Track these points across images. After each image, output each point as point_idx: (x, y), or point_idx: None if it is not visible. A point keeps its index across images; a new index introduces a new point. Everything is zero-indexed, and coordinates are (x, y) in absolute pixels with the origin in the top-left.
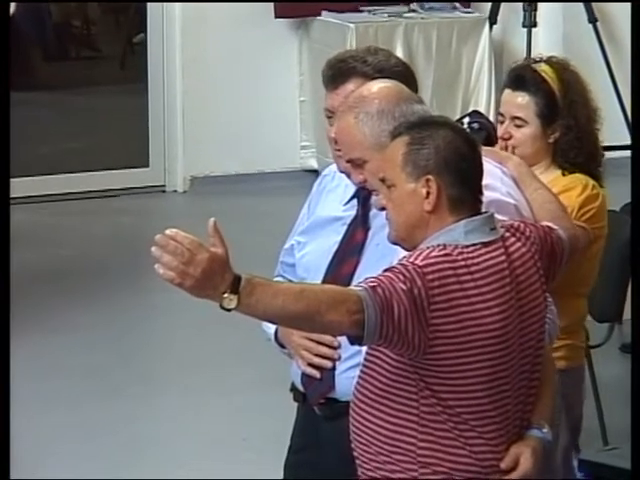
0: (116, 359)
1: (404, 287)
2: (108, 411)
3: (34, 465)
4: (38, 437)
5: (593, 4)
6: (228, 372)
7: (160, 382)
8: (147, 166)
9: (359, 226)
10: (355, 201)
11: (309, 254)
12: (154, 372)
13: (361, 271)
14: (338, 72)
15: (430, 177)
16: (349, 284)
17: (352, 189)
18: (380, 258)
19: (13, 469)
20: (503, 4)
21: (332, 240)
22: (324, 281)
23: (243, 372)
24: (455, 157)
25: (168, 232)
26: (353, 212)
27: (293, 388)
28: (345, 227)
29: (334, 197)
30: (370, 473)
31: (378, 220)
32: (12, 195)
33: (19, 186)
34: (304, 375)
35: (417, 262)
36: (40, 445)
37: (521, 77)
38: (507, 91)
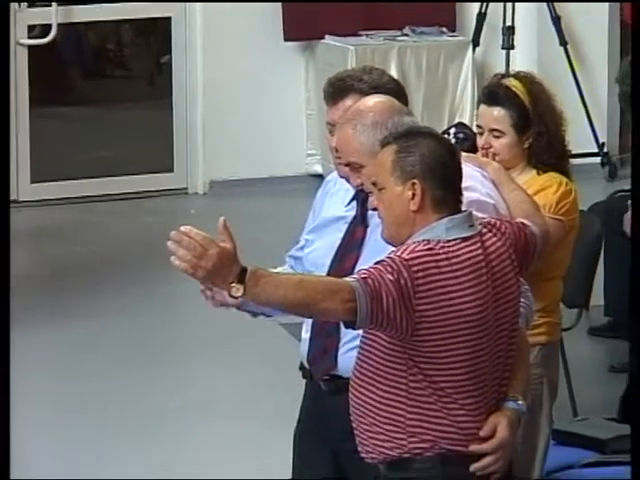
0: (140, 340)
1: (392, 278)
2: (131, 383)
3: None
4: (70, 405)
5: (563, 29)
6: (241, 352)
7: (179, 358)
8: (172, 171)
9: (359, 224)
10: (355, 202)
11: (316, 250)
12: (173, 351)
13: (361, 264)
14: (337, 89)
15: (415, 181)
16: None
17: (352, 192)
18: (378, 252)
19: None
20: (484, 29)
21: (335, 237)
22: (329, 274)
23: (255, 352)
24: (437, 164)
25: (183, 229)
26: (353, 212)
27: (302, 366)
28: (346, 226)
29: (336, 199)
30: (365, 442)
31: (376, 219)
32: (50, 197)
33: (57, 189)
34: (310, 354)
35: (403, 255)
36: (69, 413)
37: (495, 93)
38: (483, 106)
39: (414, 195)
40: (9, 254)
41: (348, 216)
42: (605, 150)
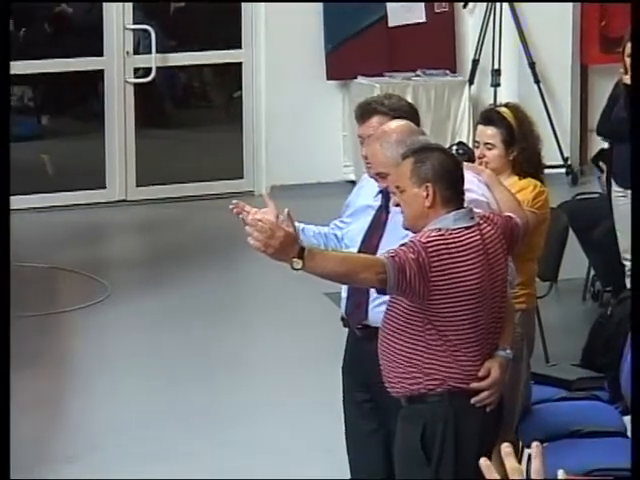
0: (218, 305)
1: (413, 256)
2: (212, 337)
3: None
4: (164, 350)
5: (537, 71)
6: (293, 315)
7: (248, 319)
8: (242, 178)
9: (382, 211)
10: (380, 195)
11: (352, 230)
12: (243, 314)
13: (384, 241)
14: (365, 111)
15: (428, 184)
16: (376, 249)
17: (378, 187)
18: (396, 232)
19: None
20: (478, 71)
21: (365, 221)
22: (360, 248)
23: (304, 316)
24: (445, 171)
25: (257, 216)
26: (379, 202)
27: (342, 318)
28: (374, 212)
29: (367, 192)
30: (392, 380)
31: (395, 208)
32: (151, 197)
33: (156, 191)
34: (347, 308)
35: (422, 240)
36: (164, 358)
37: (490, 117)
38: (480, 126)
39: (428, 195)
40: (9, 253)
41: (375, 205)
42: (569, 163)
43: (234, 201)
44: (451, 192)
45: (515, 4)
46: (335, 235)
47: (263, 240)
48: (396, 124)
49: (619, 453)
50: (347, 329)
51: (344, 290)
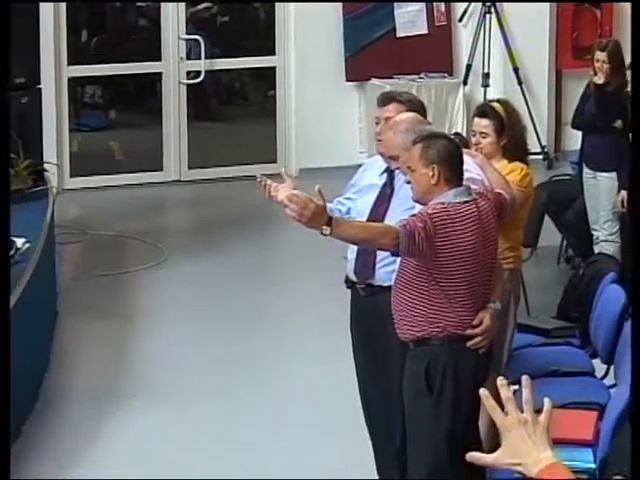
0: (253, 266)
1: (421, 225)
2: (248, 292)
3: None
4: (212, 305)
5: (520, 75)
6: (313, 276)
7: (277, 277)
8: (275, 162)
9: (388, 187)
10: (385, 174)
11: (359, 205)
12: (273, 274)
13: (389, 212)
14: (386, 98)
15: (434, 165)
16: (383, 218)
17: (383, 168)
18: (400, 205)
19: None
20: (471, 74)
21: (370, 197)
22: (368, 217)
23: (324, 276)
24: (448, 154)
25: (293, 192)
26: (384, 180)
27: (347, 279)
28: (379, 189)
29: (372, 173)
30: (401, 328)
31: (398, 185)
32: (200, 177)
33: (204, 173)
34: (356, 267)
35: (428, 211)
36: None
37: (484, 110)
38: (476, 118)
39: (434, 174)
40: (9, 252)
41: (380, 183)
42: (545, 150)
43: (260, 174)
44: (453, 172)
45: (502, 19)
46: (339, 210)
47: (298, 211)
48: (406, 115)
49: (588, 389)
50: (350, 290)
51: (350, 252)
